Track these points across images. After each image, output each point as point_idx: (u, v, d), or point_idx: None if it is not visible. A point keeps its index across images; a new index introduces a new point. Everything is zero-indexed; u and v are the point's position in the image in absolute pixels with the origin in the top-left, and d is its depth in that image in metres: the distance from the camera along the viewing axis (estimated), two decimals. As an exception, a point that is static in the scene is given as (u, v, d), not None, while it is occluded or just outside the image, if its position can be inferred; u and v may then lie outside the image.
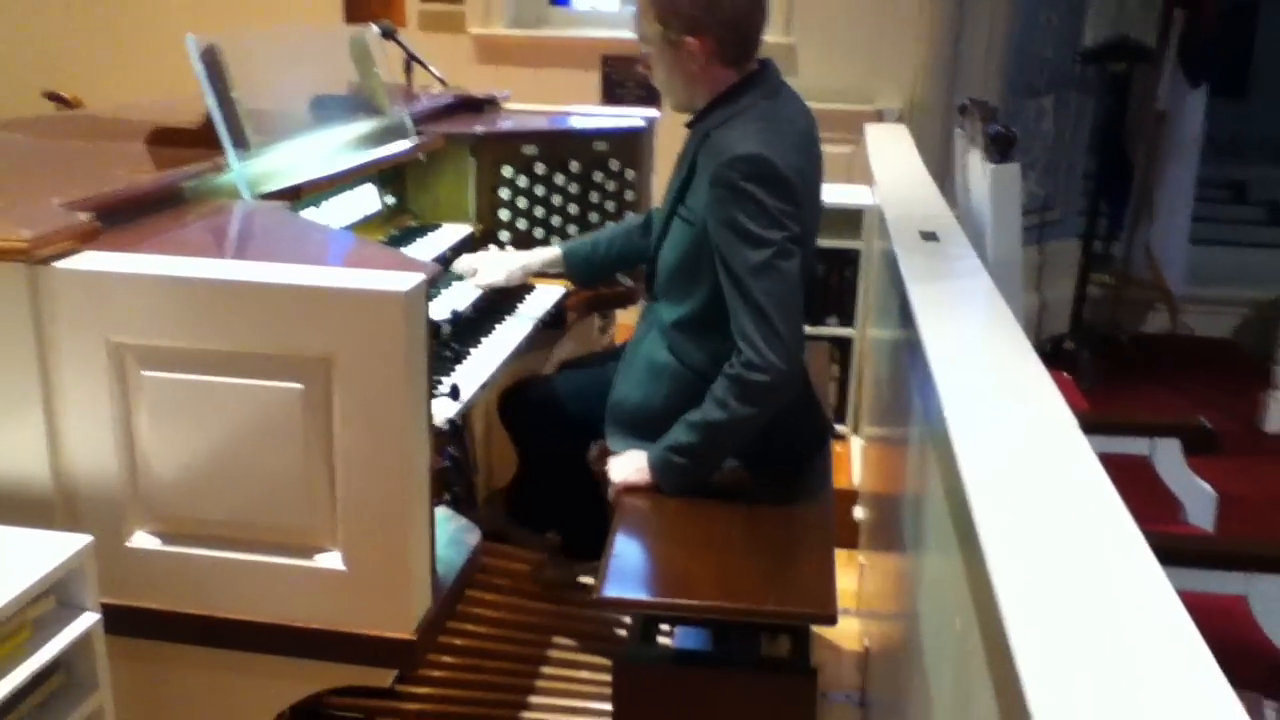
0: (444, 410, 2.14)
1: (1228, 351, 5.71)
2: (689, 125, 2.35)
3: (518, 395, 2.76)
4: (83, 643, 1.70)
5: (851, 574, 3.42)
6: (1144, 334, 5.76)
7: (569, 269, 2.78)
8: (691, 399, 2.26)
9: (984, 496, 1.26)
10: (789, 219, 2.14)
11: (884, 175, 3.24)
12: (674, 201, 2.33)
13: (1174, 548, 2.29)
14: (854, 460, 3.90)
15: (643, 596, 2.06)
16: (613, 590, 2.01)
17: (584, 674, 2.74)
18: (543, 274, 2.86)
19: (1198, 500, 2.80)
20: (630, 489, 2.29)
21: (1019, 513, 1.24)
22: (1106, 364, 5.27)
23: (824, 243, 3.98)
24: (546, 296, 2.92)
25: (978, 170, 3.11)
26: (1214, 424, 2.86)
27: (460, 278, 2.78)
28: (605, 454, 2.42)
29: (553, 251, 2.80)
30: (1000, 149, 2.83)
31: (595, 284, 2.98)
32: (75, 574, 1.70)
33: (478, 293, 2.74)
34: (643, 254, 2.58)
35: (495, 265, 2.77)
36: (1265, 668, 2.14)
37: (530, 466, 2.84)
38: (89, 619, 1.71)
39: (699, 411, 2.21)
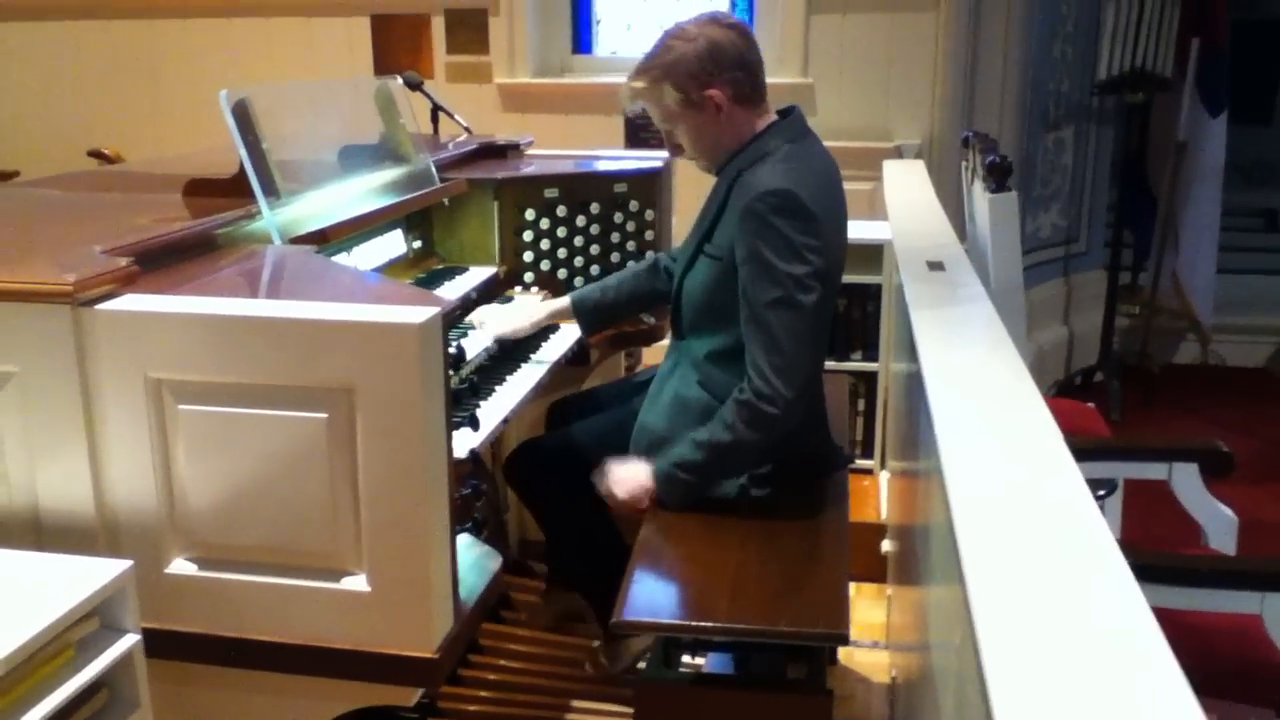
0: (465, 441, 2.23)
1: (1260, 380, 5.68)
2: (718, 171, 2.43)
3: (523, 458, 2.71)
4: (124, 662, 1.77)
5: (882, 607, 3.45)
6: (1174, 364, 5.75)
7: (579, 317, 2.81)
8: None
9: (967, 512, 1.31)
10: (812, 253, 2.22)
11: (897, 209, 3.30)
12: (700, 239, 2.42)
13: (1186, 568, 2.31)
14: (882, 494, 3.93)
15: (659, 619, 2.11)
16: (630, 614, 2.08)
17: (615, 706, 2.79)
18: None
19: (1219, 524, 2.80)
20: (631, 500, 2.38)
21: (1000, 527, 1.28)
22: (1137, 395, 5.26)
23: (847, 278, 4.05)
24: (568, 335, 2.98)
25: (980, 200, 3.16)
26: (1243, 451, 2.84)
27: (473, 326, 2.81)
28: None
29: (562, 303, 2.85)
30: (997, 178, 2.89)
31: (605, 328, 2.97)
32: (117, 597, 1.77)
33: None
34: (653, 294, 2.69)
35: (505, 318, 2.81)
36: (1278, 684, 2.15)
37: (551, 533, 2.79)
38: (130, 639, 1.78)
39: (706, 431, 2.29)
